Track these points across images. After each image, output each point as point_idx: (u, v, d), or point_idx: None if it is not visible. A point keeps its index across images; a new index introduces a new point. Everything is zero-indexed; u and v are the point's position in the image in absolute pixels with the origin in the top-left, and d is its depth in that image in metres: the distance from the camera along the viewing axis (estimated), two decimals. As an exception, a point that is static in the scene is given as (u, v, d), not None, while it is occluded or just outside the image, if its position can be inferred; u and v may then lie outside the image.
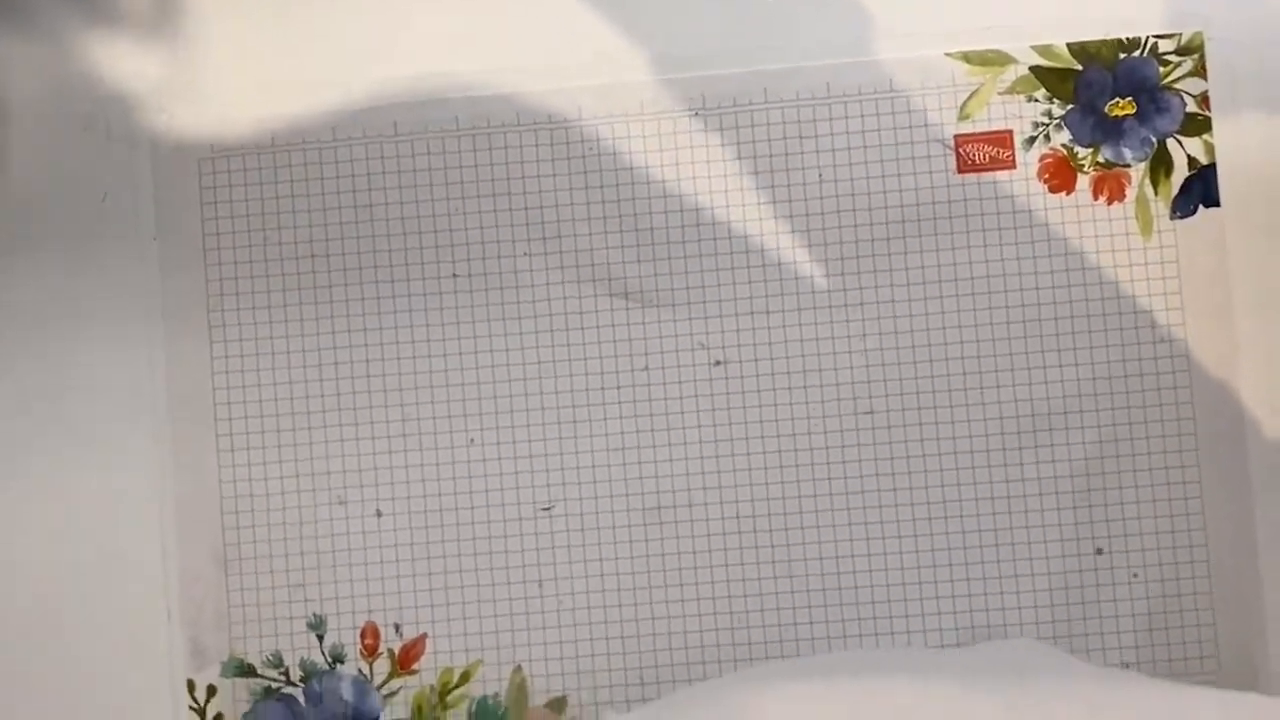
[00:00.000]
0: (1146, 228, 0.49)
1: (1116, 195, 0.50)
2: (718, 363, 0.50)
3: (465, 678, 0.49)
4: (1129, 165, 0.50)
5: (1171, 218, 0.49)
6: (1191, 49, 0.50)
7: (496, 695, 0.49)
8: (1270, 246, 0.49)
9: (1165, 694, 0.40)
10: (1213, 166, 0.49)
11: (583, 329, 0.50)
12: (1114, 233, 0.49)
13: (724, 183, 0.50)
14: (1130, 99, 0.50)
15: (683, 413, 0.49)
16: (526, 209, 0.50)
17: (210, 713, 0.49)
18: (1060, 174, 0.50)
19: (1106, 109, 0.50)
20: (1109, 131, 0.50)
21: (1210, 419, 0.49)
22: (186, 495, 0.50)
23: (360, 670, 0.49)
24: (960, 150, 0.50)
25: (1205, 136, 0.50)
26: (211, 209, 0.50)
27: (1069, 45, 0.50)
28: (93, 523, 0.49)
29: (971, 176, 0.50)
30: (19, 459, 0.50)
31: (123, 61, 0.51)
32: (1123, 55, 0.50)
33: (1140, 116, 0.50)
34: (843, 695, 0.38)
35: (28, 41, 0.50)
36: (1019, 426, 0.49)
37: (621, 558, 0.49)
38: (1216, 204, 0.49)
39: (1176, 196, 0.50)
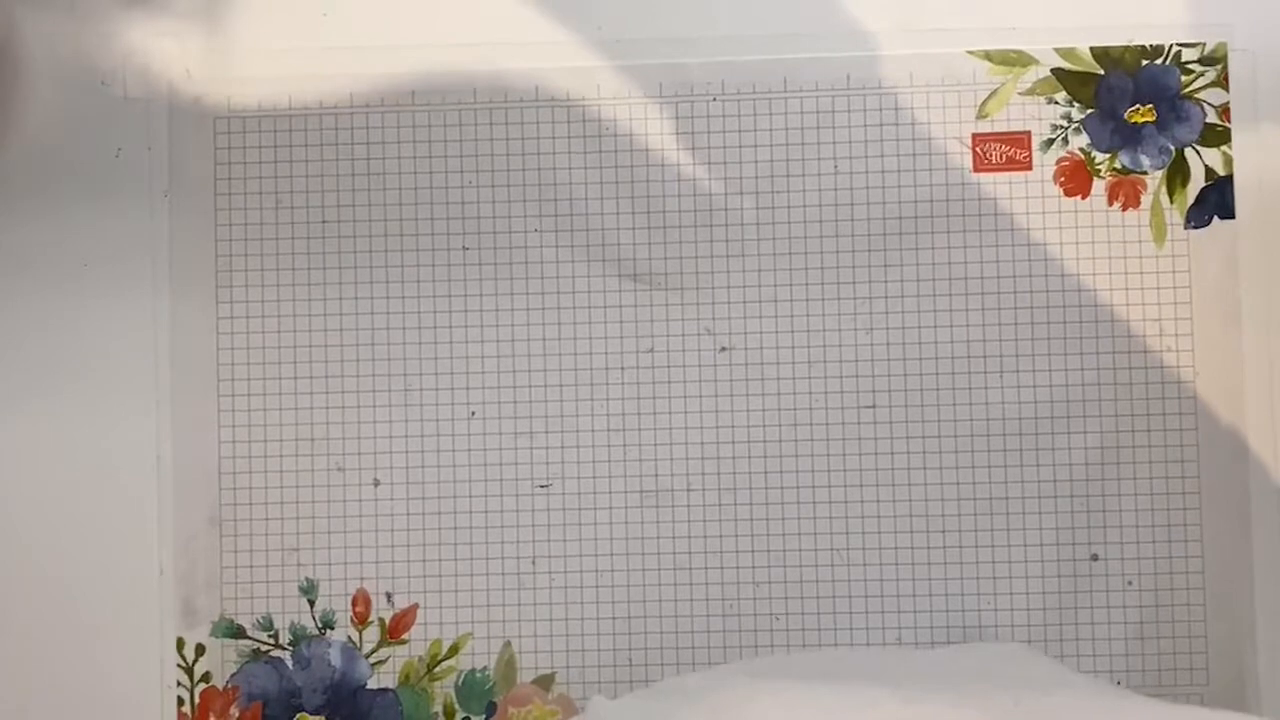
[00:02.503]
0: (1160, 236, 0.49)
1: (1131, 202, 0.49)
2: (723, 349, 0.50)
3: (454, 650, 0.49)
4: (1146, 173, 0.50)
5: (1185, 227, 0.49)
6: (1215, 59, 0.50)
7: (485, 669, 0.49)
8: (1283, 261, 0.49)
9: (1153, 711, 0.40)
10: (1229, 178, 0.49)
11: (590, 308, 0.50)
12: (1126, 239, 0.49)
13: (738, 169, 0.50)
14: (1150, 106, 0.50)
15: (685, 397, 0.49)
16: (540, 185, 0.50)
17: (198, 671, 0.49)
18: (1076, 178, 0.50)
19: (1126, 115, 0.50)
20: (1127, 138, 0.50)
21: (1212, 430, 0.49)
22: (185, 455, 0.50)
23: (350, 637, 0.49)
24: (977, 149, 0.50)
25: (1224, 148, 0.49)
26: (225, 169, 0.50)
27: (1092, 49, 0.50)
28: (90, 477, 0.49)
29: (987, 176, 0.50)
30: (19, 410, 0.50)
31: (143, 18, 0.50)
32: (1145, 62, 0.50)
33: (1160, 124, 0.50)
34: (844, 703, 0.38)
35: (49, -8, 0.51)
36: (1021, 428, 0.49)
37: (616, 539, 0.49)
38: (1231, 216, 0.49)
39: (1191, 206, 0.49)
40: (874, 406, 0.49)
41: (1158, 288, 0.49)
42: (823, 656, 0.48)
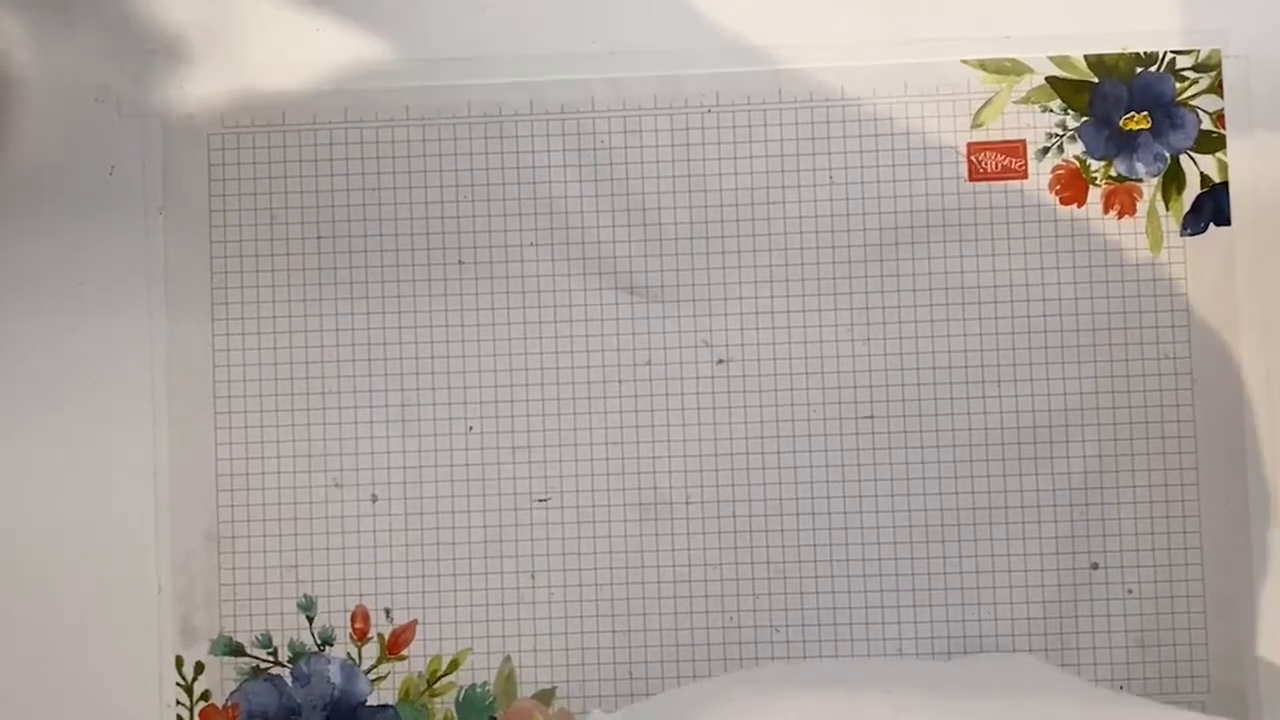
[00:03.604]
0: (1156, 243, 0.49)
1: (1127, 210, 0.49)
2: (720, 361, 0.49)
3: (454, 665, 0.49)
4: (1141, 180, 0.50)
5: (1181, 234, 0.49)
6: (1209, 66, 0.50)
7: (485, 684, 0.49)
8: (1279, 267, 0.49)
9: (1155, 716, 0.40)
10: (1225, 185, 0.49)
11: (586, 321, 0.50)
12: (1123, 247, 0.49)
13: (734, 180, 0.50)
14: (1145, 114, 0.50)
15: (683, 410, 0.49)
16: (535, 199, 0.50)
17: (197, 690, 0.49)
18: (1072, 186, 0.49)
19: (1121, 123, 0.50)
20: (1122, 145, 0.50)
21: (1211, 437, 0.49)
22: (182, 472, 0.49)
23: (349, 654, 0.49)
24: (972, 158, 0.50)
25: (1219, 154, 0.49)
26: (219, 185, 0.50)
27: (1086, 57, 0.50)
28: (88, 496, 0.49)
29: (982, 185, 0.50)
30: (16, 428, 0.50)
31: (136, 35, 0.50)
32: (1139, 69, 0.50)
33: (1155, 131, 0.50)
34: (837, 711, 0.38)
35: (41, 13, 0.50)
36: (1019, 437, 0.49)
37: (615, 552, 0.49)
38: (1227, 222, 0.49)
39: (1187, 213, 0.49)
40: (872, 417, 0.49)
41: (1154, 295, 0.49)
42: (822, 666, 0.48)
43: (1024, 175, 0.50)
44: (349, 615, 0.49)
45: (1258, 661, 0.48)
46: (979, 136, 0.50)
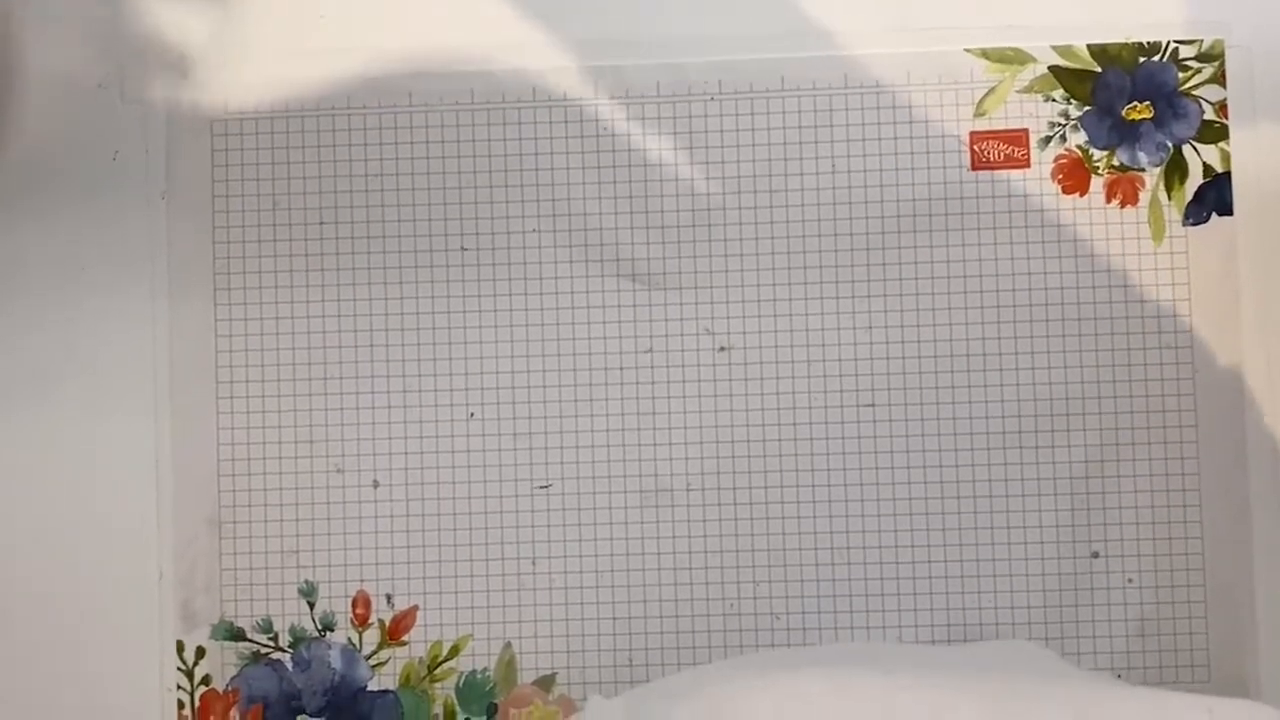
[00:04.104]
0: (1158, 233, 0.49)
1: (1130, 199, 0.49)
2: (722, 349, 0.50)
3: (454, 651, 0.49)
4: (1144, 170, 0.50)
5: (1184, 224, 0.49)
6: (1212, 56, 0.50)
7: (485, 670, 0.49)
8: (1281, 258, 0.49)
9: (1153, 701, 0.40)
10: (1227, 175, 0.49)
11: (588, 308, 0.50)
12: (1125, 236, 0.49)
13: (736, 169, 0.50)
14: (1148, 103, 0.50)
15: (684, 397, 0.49)
16: (537, 185, 0.50)
17: (198, 675, 0.49)
18: (1074, 175, 0.50)
19: (1124, 112, 0.50)
20: (1125, 135, 0.50)
21: (1212, 427, 0.49)
22: (184, 457, 0.49)
23: (350, 639, 0.49)
24: (975, 147, 0.50)
25: (1222, 144, 0.49)
26: (222, 171, 0.50)
27: (1089, 47, 0.50)
28: (88, 480, 0.49)
29: (985, 174, 0.50)
30: (17, 413, 0.50)
31: (139, 21, 0.50)
32: (1142, 59, 0.50)
33: (1157, 121, 0.50)
34: (834, 690, 0.38)
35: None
36: (1020, 426, 0.49)
37: (617, 539, 0.49)
38: (1229, 212, 0.49)
39: (1190, 203, 0.49)
40: (873, 405, 0.49)
41: (1156, 284, 0.49)
42: (823, 650, 0.48)
43: (1026, 164, 0.50)
44: (350, 601, 0.49)
45: (1258, 650, 0.48)
46: (981, 125, 0.50)
